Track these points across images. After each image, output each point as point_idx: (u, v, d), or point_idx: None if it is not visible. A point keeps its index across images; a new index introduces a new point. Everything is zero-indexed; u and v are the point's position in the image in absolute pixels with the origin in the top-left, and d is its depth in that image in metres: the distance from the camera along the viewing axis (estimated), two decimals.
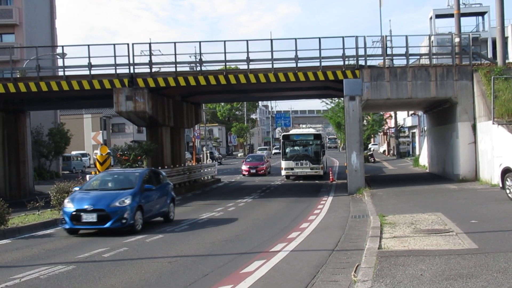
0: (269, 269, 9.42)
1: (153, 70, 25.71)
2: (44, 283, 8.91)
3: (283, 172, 33.98)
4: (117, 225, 13.83)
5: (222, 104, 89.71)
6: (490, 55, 39.74)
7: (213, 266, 9.79)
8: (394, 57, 25.97)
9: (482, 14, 52.65)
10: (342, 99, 28.59)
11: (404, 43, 24.50)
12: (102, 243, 12.62)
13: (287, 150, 34.41)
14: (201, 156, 52.31)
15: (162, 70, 27.03)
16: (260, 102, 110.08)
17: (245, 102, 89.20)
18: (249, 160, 42.30)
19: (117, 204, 13.97)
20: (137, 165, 25.71)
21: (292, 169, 33.27)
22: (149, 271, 9.58)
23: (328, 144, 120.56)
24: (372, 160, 51.12)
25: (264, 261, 10.02)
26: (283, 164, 33.88)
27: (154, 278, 9.10)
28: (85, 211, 13.88)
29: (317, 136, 35.11)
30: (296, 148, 34.84)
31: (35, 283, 8.95)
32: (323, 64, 24.70)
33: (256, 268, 9.49)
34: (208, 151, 55.48)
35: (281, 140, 36.06)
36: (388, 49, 26.00)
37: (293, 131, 40.91)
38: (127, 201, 14.06)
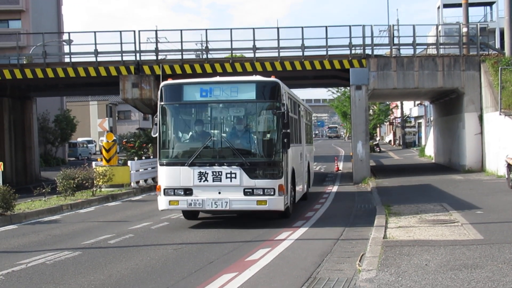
0: (274, 257, 9.44)
1: (159, 57, 25.66)
2: (50, 269, 8.97)
3: (162, 203, 12.33)
4: None
5: None
6: (498, 45, 39.52)
7: (218, 254, 9.82)
8: (401, 47, 25.83)
9: (490, 4, 52.36)
10: (348, 88, 28.49)
11: (411, 32, 24.39)
12: (108, 230, 12.69)
13: (177, 135, 12.82)
14: None
15: (168, 57, 27.00)
16: None
17: None
18: None
19: None
20: (142, 152, 25.80)
21: (188, 192, 12.07)
22: (154, 258, 9.63)
23: (328, 134, 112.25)
24: (378, 150, 51.05)
25: (269, 249, 10.05)
26: (162, 178, 12.35)
27: (160, 264, 9.14)
28: None
29: (267, 91, 12.30)
30: (204, 129, 12.61)
31: (41, 268, 9.01)
32: (329, 53, 24.59)
33: (261, 256, 9.51)
34: None
35: (159, 104, 12.68)
36: (395, 38, 25.83)
37: (196, 79, 14.17)
38: None
